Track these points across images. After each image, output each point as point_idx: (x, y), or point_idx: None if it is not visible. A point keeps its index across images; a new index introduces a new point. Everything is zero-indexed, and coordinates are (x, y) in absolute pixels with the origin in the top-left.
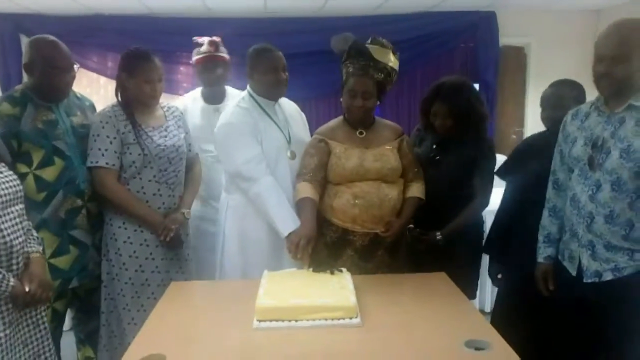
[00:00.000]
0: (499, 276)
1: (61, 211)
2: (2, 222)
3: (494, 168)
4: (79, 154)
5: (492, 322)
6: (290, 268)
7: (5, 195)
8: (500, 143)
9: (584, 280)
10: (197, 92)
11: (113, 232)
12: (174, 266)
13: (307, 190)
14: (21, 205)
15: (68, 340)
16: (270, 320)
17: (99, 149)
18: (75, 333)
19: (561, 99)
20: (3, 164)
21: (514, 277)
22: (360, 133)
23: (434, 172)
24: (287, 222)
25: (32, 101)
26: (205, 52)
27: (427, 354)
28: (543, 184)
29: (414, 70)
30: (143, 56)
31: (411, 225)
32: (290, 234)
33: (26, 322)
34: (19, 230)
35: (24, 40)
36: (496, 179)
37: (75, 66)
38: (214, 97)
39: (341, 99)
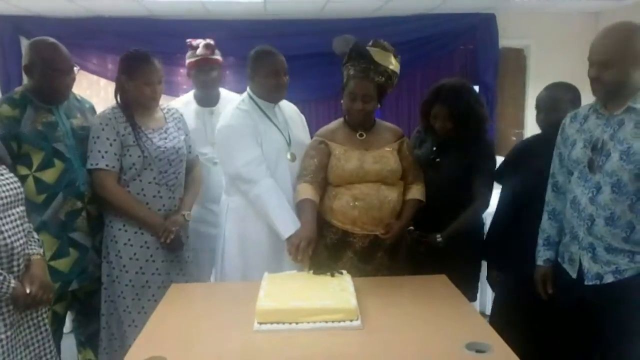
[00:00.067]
0: (498, 278)
1: (61, 213)
2: (3, 224)
3: (494, 170)
4: (79, 156)
5: (491, 325)
6: (291, 270)
7: (6, 197)
8: (500, 145)
9: (585, 283)
10: (190, 95)
11: (113, 234)
12: (175, 268)
13: (307, 191)
14: (22, 208)
15: (68, 343)
16: (271, 323)
17: (99, 151)
18: (76, 336)
19: (556, 101)
20: (4, 166)
21: (511, 281)
22: (361, 135)
23: (434, 174)
24: (288, 224)
25: (32, 103)
26: (200, 55)
27: (427, 356)
28: (539, 187)
29: (413, 72)
30: (143, 58)
31: (411, 228)
32: (290, 236)
33: (27, 324)
34: (19, 232)
35: (24, 43)
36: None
37: (75, 68)
38: (208, 100)
39: (341, 101)
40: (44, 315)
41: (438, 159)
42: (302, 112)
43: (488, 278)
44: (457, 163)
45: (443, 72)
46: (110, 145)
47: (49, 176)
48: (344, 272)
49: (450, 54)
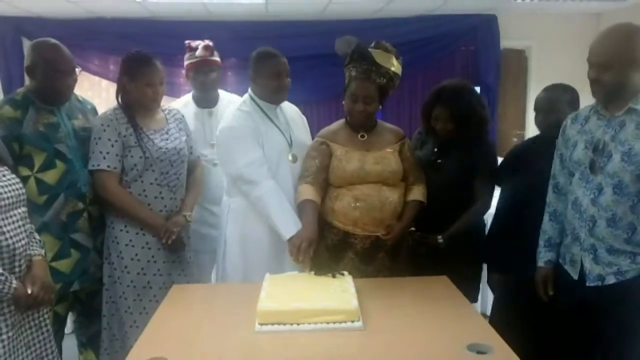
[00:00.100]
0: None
1: (62, 214)
2: (5, 225)
3: (495, 171)
4: (81, 157)
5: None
6: (292, 271)
7: (8, 198)
8: (502, 146)
9: (587, 284)
10: (188, 96)
11: (115, 235)
12: (176, 269)
13: (308, 192)
14: (24, 209)
15: (70, 344)
16: (272, 324)
17: (101, 152)
18: (77, 336)
19: (555, 102)
20: (5, 167)
21: (511, 282)
22: (362, 136)
23: (435, 175)
24: (289, 225)
25: (33, 104)
26: (200, 57)
27: (429, 357)
28: (538, 189)
29: (414, 74)
30: (144, 60)
31: (412, 229)
32: (291, 237)
33: (28, 324)
34: (21, 233)
35: (26, 44)
36: None
37: (77, 69)
38: (207, 101)
39: (343, 102)
40: (46, 316)
41: (439, 160)
42: (304, 113)
43: (489, 282)
44: (459, 164)
45: (444, 73)
46: (112, 146)
47: (50, 177)
48: (345, 273)
49: (451, 55)
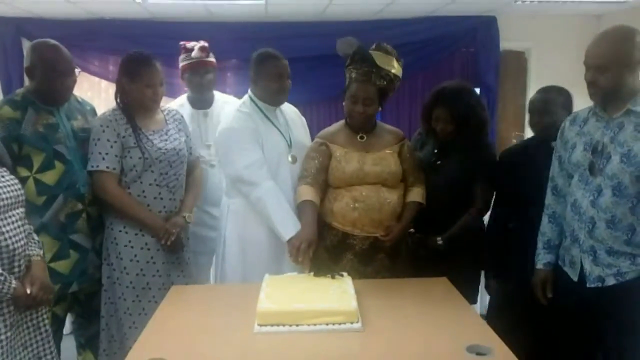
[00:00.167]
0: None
1: (61, 215)
2: (4, 226)
3: (495, 173)
4: (80, 158)
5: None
6: (291, 272)
7: (6, 199)
8: (501, 147)
9: (587, 286)
10: (183, 98)
11: (114, 236)
12: (175, 270)
13: (308, 193)
14: (22, 209)
15: (68, 345)
16: (272, 325)
17: (100, 153)
18: (76, 337)
19: (549, 104)
20: (4, 168)
21: (508, 288)
22: (361, 137)
23: (435, 176)
24: (288, 226)
25: (33, 105)
26: (196, 58)
27: (428, 359)
28: (534, 191)
29: (414, 75)
30: (144, 61)
31: (412, 230)
32: (291, 238)
33: (26, 324)
34: (20, 233)
35: (26, 44)
36: None
37: (77, 70)
38: (202, 102)
39: (343, 104)
40: (44, 316)
41: (439, 162)
42: (303, 114)
43: (486, 287)
44: (458, 166)
45: (444, 75)
46: (111, 147)
47: (49, 178)
48: (345, 274)
49: (451, 56)
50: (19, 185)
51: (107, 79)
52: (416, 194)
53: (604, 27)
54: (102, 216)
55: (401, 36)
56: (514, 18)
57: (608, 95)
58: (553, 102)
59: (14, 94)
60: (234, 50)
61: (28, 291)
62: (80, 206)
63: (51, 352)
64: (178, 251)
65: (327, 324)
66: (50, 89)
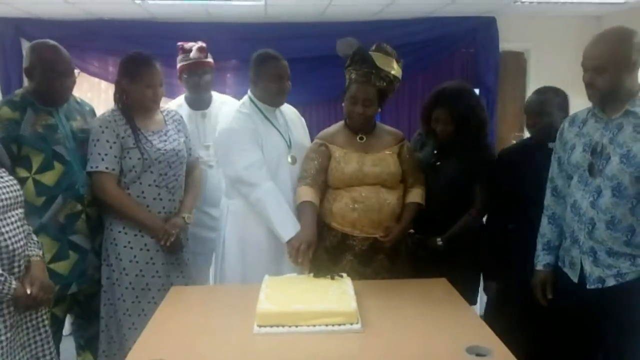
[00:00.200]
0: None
1: (60, 216)
2: (3, 226)
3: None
4: (79, 159)
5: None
6: (291, 273)
7: (6, 199)
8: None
9: (587, 287)
10: (181, 98)
11: (113, 237)
12: (175, 270)
13: (307, 194)
14: (21, 210)
15: (68, 346)
16: (271, 326)
17: (99, 154)
18: (75, 339)
19: (546, 105)
20: (3, 169)
21: (508, 285)
22: (361, 138)
23: (435, 177)
24: (288, 227)
25: (32, 105)
26: (194, 58)
27: None
28: (531, 192)
29: (414, 75)
30: (145, 61)
31: (412, 231)
32: (290, 238)
33: (26, 324)
34: (20, 234)
35: (25, 45)
36: None
37: (76, 71)
38: (200, 103)
39: (342, 104)
40: (44, 317)
41: (439, 163)
42: (303, 114)
43: (485, 289)
44: (458, 167)
45: (443, 75)
46: (110, 147)
47: (48, 179)
48: (344, 275)
49: (450, 57)
50: (18, 186)
51: (106, 79)
52: (415, 195)
53: (604, 28)
54: (101, 217)
55: (401, 37)
56: (513, 19)
57: (606, 96)
58: (550, 103)
59: (13, 95)
60: (233, 50)
61: (28, 291)
62: (79, 207)
63: (50, 353)
64: (177, 252)
65: (326, 325)
66: (50, 89)
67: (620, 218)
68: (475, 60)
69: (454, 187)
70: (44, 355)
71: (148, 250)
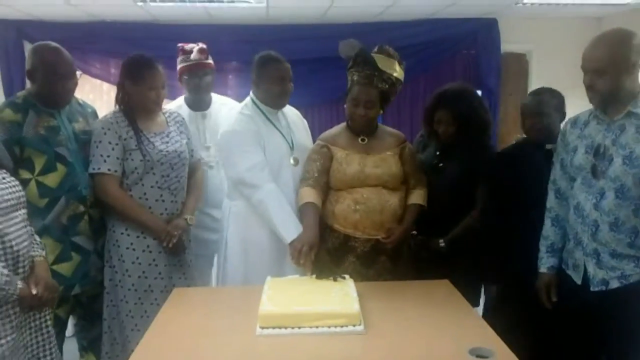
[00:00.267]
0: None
1: (63, 217)
2: (8, 227)
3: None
4: (81, 161)
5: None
6: (293, 274)
7: (9, 200)
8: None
9: (591, 289)
10: (181, 100)
11: (116, 238)
12: (177, 272)
13: (310, 195)
14: (24, 210)
15: (70, 347)
16: (273, 327)
17: (101, 156)
18: (78, 340)
19: (544, 107)
20: (4, 171)
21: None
22: (363, 140)
23: (437, 178)
24: (290, 228)
25: (34, 107)
26: (195, 60)
27: None
28: (530, 195)
29: (416, 77)
30: (147, 63)
31: (414, 232)
32: (293, 240)
33: (29, 325)
34: (24, 234)
35: (27, 47)
36: None
37: (78, 73)
38: (200, 104)
39: (344, 106)
40: (47, 317)
41: (441, 164)
42: (305, 116)
43: (485, 291)
44: (460, 168)
45: (445, 77)
46: (113, 149)
47: (51, 180)
48: (347, 276)
49: (452, 58)
50: (20, 187)
51: (108, 81)
52: (417, 196)
53: (605, 30)
54: (104, 218)
55: (402, 38)
56: (515, 20)
57: (607, 98)
58: (547, 104)
59: (15, 97)
60: (235, 52)
61: (33, 292)
62: (82, 208)
63: (51, 354)
64: (180, 253)
65: (329, 327)
66: (52, 91)
67: (623, 220)
68: (476, 61)
69: (456, 188)
70: (45, 356)
71: (150, 251)
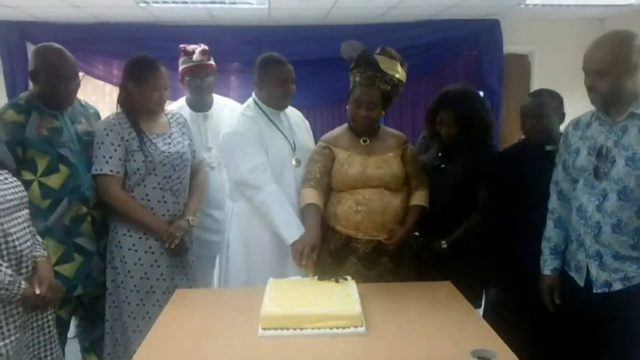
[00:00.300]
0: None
1: (66, 219)
2: (11, 227)
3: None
4: (84, 162)
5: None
6: (295, 276)
7: (12, 200)
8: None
9: (594, 291)
10: (182, 100)
11: (118, 239)
12: (179, 273)
13: (311, 196)
14: (27, 211)
15: (72, 348)
16: (275, 329)
17: (104, 157)
18: (80, 341)
19: (544, 108)
20: (6, 171)
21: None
22: (364, 141)
23: (439, 180)
24: (292, 229)
25: (37, 109)
26: (197, 61)
27: None
28: (530, 197)
29: (418, 78)
30: (150, 64)
31: (416, 233)
32: (295, 241)
33: (31, 325)
34: (27, 234)
35: (30, 48)
36: None
37: (80, 74)
38: (202, 105)
39: (346, 107)
40: (49, 317)
41: (443, 165)
42: (307, 117)
43: (487, 295)
44: (463, 169)
45: (447, 78)
46: (115, 150)
47: (53, 181)
48: (349, 277)
49: (454, 60)
50: (22, 187)
51: (111, 82)
52: (419, 198)
53: (607, 31)
54: (106, 220)
55: (404, 40)
56: (517, 21)
57: (608, 99)
58: (547, 105)
59: (18, 98)
60: (237, 53)
61: (37, 292)
62: (84, 209)
63: (52, 354)
64: (182, 255)
65: (331, 328)
66: (54, 92)
67: (626, 221)
68: (479, 63)
69: (458, 189)
70: (46, 356)
71: (153, 253)
